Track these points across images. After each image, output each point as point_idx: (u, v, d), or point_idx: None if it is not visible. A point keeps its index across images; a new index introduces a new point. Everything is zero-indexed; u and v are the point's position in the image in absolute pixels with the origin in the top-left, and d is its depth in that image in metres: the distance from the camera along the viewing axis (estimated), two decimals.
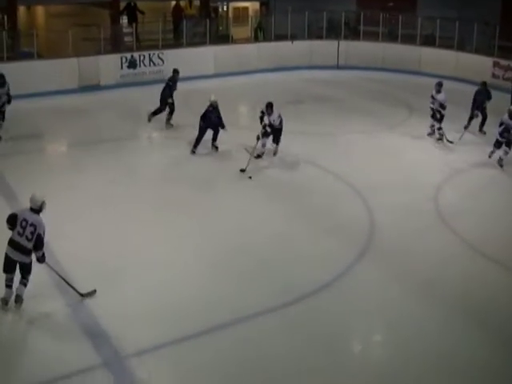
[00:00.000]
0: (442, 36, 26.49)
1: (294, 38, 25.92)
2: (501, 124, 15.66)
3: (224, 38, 26.08)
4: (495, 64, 24.54)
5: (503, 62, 24.28)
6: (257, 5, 30.44)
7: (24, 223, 9.16)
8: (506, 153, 15.71)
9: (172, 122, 17.86)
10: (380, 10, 27.35)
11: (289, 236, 11.98)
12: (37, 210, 9.25)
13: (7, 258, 9.28)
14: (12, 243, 9.22)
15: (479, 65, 24.53)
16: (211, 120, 15.74)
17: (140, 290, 9.92)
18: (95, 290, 9.73)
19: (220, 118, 15.83)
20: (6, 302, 9.39)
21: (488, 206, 13.81)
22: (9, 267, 9.32)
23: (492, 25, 25.98)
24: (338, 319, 9.58)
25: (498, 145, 15.82)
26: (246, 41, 26.80)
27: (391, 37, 27.20)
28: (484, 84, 18.25)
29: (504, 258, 11.48)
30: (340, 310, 9.82)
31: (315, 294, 10.09)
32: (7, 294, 9.40)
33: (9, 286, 9.40)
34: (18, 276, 9.40)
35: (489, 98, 18.01)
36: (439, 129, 17.48)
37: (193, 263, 10.84)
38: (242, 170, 14.51)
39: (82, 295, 9.64)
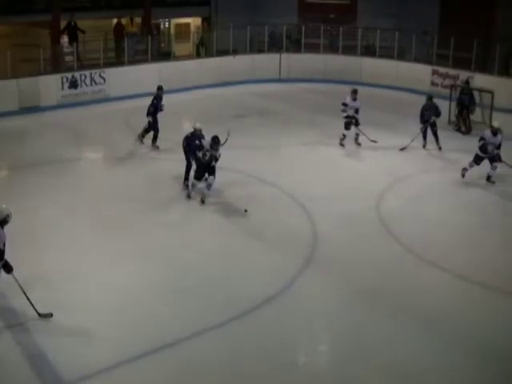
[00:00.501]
0: (382, 46, 26.94)
1: (236, 52, 26.05)
2: (480, 139, 15.51)
3: (166, 55, 26.09)
4: (434, 72, 25.03)
5: (442, 70, 24.78)
6: (198, 21, 30.50)
7: None
8: (495, 168, 15.51)
9: (144, 140, 17.56)
10: (321, 23, 27.67)
11: (233, 251, 11.98)
12: (0, 221, 9.49)
13: None
14: None
15: (419, 73, 25.04)
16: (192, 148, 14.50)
17: (83, 312, 9.77)
18: (52, 314, 9.59)
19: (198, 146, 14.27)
20: None
21: (430, 212, 14.01)
22: None
23: (430, 34, 26.51)
24: (283, 333, 9.55)
25: (478, 161, 15.54)
26: (189, 57, 26.84)
27: (332, 48, 27.54)
28: (430, 98, 18.21)
29: (447, 264, 11.64)
30: (286, 322, 9.81)
31: (259, 308, 10.06)
32: None
33: None
34: None
35: (437, 115, 17.86)
36: (357, 134, 17.94)
37: (136, 283, 10.72)
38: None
39: (39, 315, 9.52)
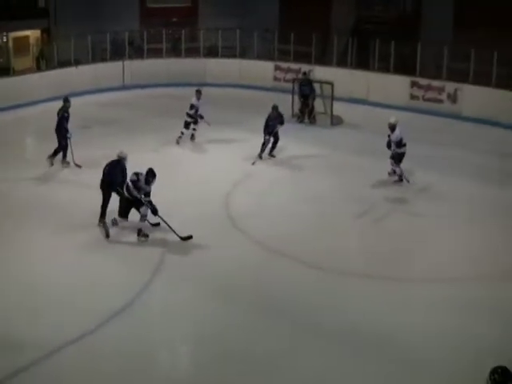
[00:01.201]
0: (225, 46, 27.29)
1: (78, 63, 25.46)
2: (388, 136, 15.39)
3: (5, 70, 25.10)
4: (276, 67, 25.68)
5: (283, 65, 25.46)
6: (37, 33, 29.65)
7: None
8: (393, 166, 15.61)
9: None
10: (163, 27, 27.61)
11: (79, 266, 11.62)
12: None
13: None
14: None
15: (261, 70, 25.62)
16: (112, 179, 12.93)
17: None
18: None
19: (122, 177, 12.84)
20: None
21: (279, 205, 14.41)
22: None
23: (271, 31, 27.14)
24: (141, 340, 9.44)
25: (391, 158, 15.55)
26: (29, 71, 25.99)
27: (176, 52, 27.58)
28: (275, 108, 17.58)
29: (298, 254, 12.04)
30: (144, 330, 9.71)
31: (114, 319, 9.88)
32: None
33: None
34: None
35: (281, 123, 17.47)
36: (194, 130, 18.49)
37: None
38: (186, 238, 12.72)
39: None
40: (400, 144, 15.24)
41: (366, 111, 22.02)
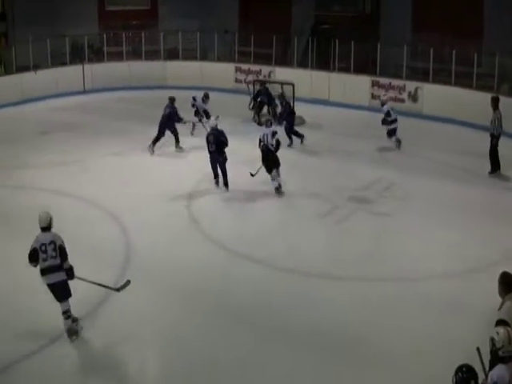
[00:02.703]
0: (185, 48, 27.19)
1: (37, 67, 25.10)
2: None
3: None
4: (237, 69, 25.67)
5: (244, 67, 25.44)
6: None
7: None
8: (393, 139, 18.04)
9: None
10: (122, 30, 27.41)
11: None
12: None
13: None
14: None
15: (222, 72, 25.62)
16: None
17: None
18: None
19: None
20: None
21: (238, 208, 14.43)
22: None
23: (231, 32, 27.15)
24: (109, 349, 9.32)
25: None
26: None
27: (136, 55, 27.38)
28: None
29: (259, 256, 11.96)
30: (110, 339, 9.53)
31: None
32: None
33: None
34: None
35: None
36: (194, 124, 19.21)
37: None
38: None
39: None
40: (389, 114, 17.91)
41: (328, 111, 22.12)
